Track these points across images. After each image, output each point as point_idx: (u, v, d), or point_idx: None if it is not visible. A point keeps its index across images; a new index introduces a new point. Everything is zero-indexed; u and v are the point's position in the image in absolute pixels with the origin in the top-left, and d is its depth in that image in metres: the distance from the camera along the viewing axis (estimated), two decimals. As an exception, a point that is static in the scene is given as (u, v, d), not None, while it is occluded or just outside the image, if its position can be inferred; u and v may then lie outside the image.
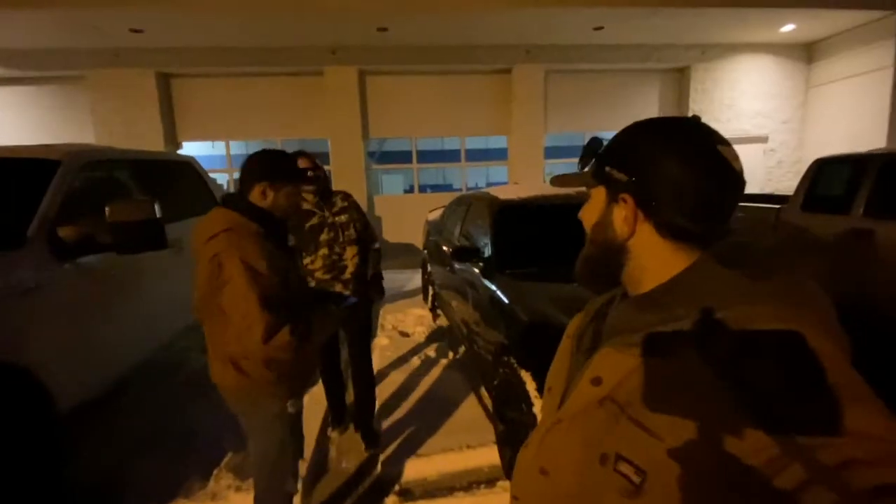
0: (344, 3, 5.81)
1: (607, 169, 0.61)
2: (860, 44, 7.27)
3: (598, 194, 0.62)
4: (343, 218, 2.33)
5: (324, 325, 1.42)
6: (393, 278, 5.92)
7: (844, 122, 7.58)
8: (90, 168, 2.54)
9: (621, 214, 0.59)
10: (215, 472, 2.22)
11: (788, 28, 7.27)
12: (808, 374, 0.42)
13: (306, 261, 2.28)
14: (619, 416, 0.51)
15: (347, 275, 2.32)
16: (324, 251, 2.29)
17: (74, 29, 6.04)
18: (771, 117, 8.35)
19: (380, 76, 7.73)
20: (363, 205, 7.74)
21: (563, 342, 0.75)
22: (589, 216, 0.63)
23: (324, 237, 2.28)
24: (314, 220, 2.28)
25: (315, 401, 2.65)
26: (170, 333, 2.96)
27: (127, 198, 2.69)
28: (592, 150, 0.65)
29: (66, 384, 2.03)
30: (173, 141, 7.57)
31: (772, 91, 8.27)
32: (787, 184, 8.31)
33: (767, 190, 8.00)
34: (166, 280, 2.84)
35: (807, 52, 8.18)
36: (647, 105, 8.44)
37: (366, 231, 2.43)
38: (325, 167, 8.18)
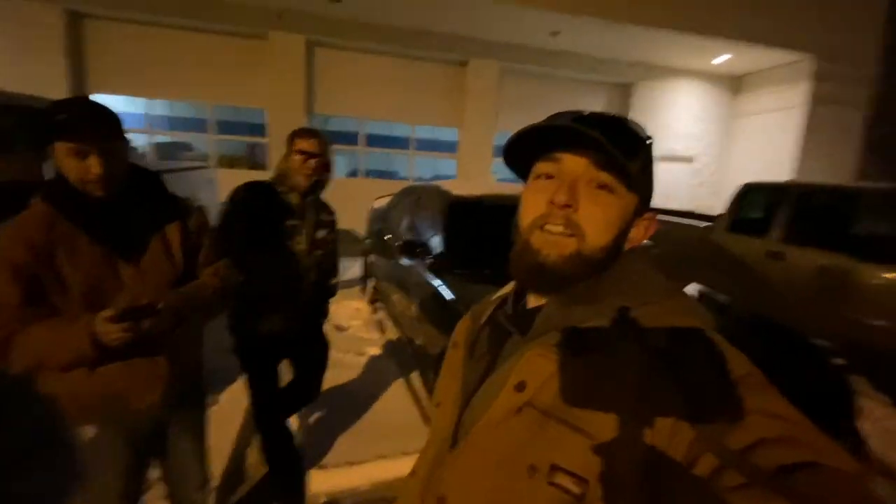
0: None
1: (647, 178, 0.56)
2: (779, 82, 8.05)
3: (631, 199, 0.55)
4: (321, 236, 1.85)
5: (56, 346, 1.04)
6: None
7: (761, 152, 8.38)
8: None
9: (642, 230, 0.57)
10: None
11: (722, 59, 7.87)
12: (720, 367, 0.44)
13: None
14: (544, 422, 0.48)
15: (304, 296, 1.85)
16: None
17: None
18: (699, 140, 9.03)
19: (330, 49, 7.28)
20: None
21: (451, 352, 0.69)
22: (613, 222, 0.54)
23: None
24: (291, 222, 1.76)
25: (235, 399, 2.38)
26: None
27: (9, 152, 2.22)
28: (640, 136, 0.55)
29: None
30: (80, 91, 6.58)
31: (701, 115, 8.93)
32: (707, 202, 9.06)
33: (689, 207, 8.66)
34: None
35: (734, 84, 8.92)
36: (593, 115, 8.76)
37: (332, 271, 1.97)
38: (262, 139, 7.62)
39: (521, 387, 0.51)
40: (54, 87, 6.13)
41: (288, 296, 1.78)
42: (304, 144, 1.71)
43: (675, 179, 9.06)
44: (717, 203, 7.93)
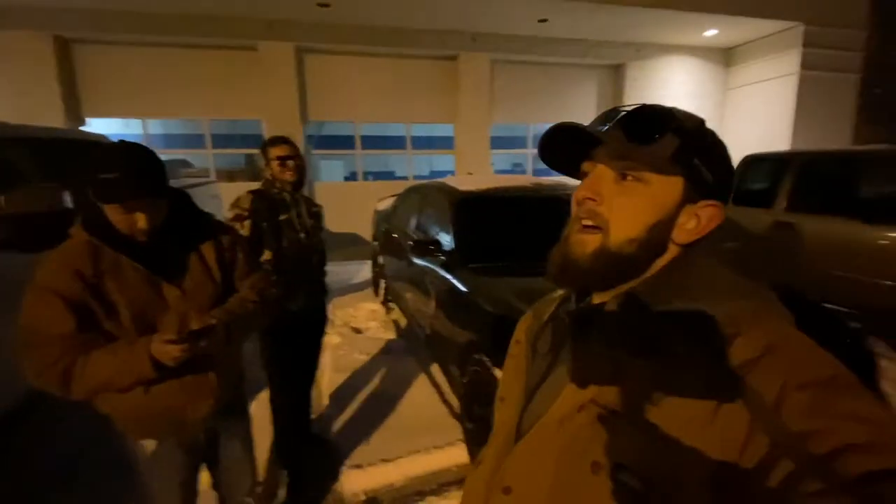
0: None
1: (696, 161, 0.51)
2: (771, 51, 8.01)
3: (670, 186, 0.51)
4: (312, 224, 2.09)
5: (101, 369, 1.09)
6: (339, 271, 5.67)
7: (757, 123, 8.36)
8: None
9: (694, 219, 0.52)
10: None
11: (711, 33, 7.83)
12: (802, 370, 0.43)
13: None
14: (607, 419, 0.48)
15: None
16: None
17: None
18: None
19: (319, 55, 7.28)
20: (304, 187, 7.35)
21: (514, 348, 0.70)
22: (643, 210, 0.51)
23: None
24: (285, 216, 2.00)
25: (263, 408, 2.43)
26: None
27: (26, 184, 2.27)
28: (660, 120, 0.51)
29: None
30: (76, 117, 6.62)
31: (696, 91, 8.89)
32: (707, 178, 9.03)
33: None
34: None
35: (725, 57, 8.87)
36: (586, 100, 8.74)
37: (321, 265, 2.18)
38: (258, 151, 7.60)
39: (583, 384, 0.52)
40: (51, 115, 6.17)
41: (302, 277, 2.03)
42: (279, 151, 1.95)
43: (672, 157, 9.04)
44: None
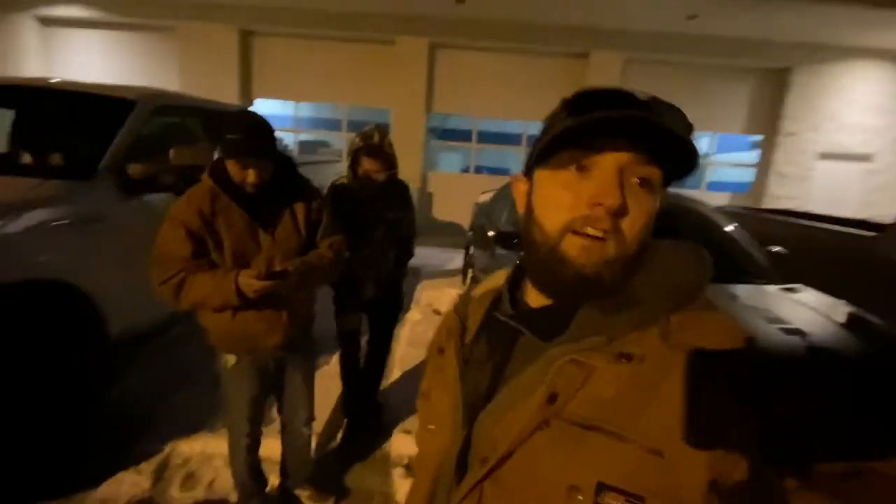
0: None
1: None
2: None
3: (658, 196, 0.47)
4: (392, 217, 2.16)
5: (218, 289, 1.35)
6: (436, 255, 5.93)
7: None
8: (162, 112, 2.67)
9: (656, 206, 0.48)
10: (240, 414, 2.34)
11: (921, 33, 6.33)
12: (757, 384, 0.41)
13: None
14: (582, 435, 0.42)
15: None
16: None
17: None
18: (880, 135, 7.40)
19: (450, 50, 7.59)
20: (416, 180, 7.80)
21: (436, 360, 0.60)
22: (649, 222, 0.47)
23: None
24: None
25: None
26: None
27: (190, 143, 2.81)
28: (689, 128, 0.48)
29: (120, 311, 2.18)
30: (247, 97, 7.89)
31: (883, 105, 7.30)
32: (887, 210, 7.39)
33: (862, 216, 7.16)
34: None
35: (938, 63, 7.11)
36: (736, 106, 7.74)
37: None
38: (386, 137, 8.25)
39: (552, 398, 0.44)
40: (228, 93, 7.46)
41: (376, 270, 2.12)
42: (370, 166, 1.96)
43: (844, 182, 7.56)
44: (899, 211, 6.47)
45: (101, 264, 2.10)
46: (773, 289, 2.39)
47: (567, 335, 0.47)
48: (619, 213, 0.44)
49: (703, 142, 8.48)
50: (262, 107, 8.07)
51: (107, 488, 1.84)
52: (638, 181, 0.45)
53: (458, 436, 0.51)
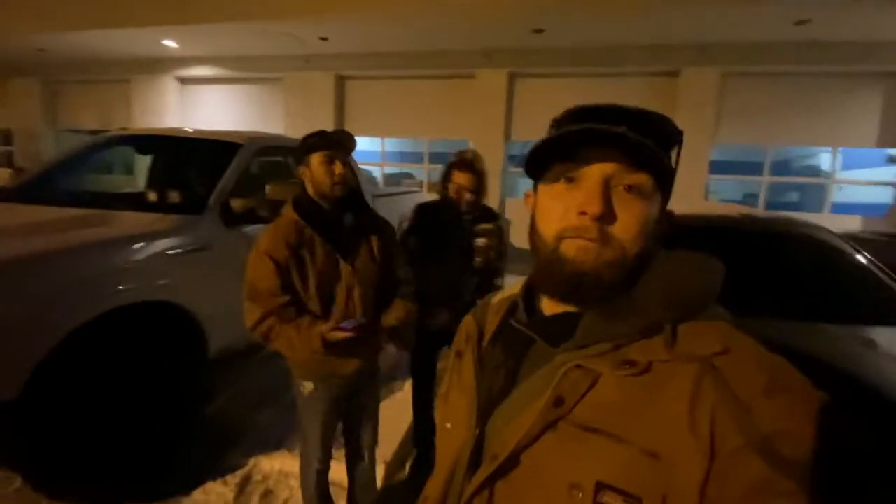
0: (503, 4, 5.84)
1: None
2: None
3: (655, 201, 0.51)
4: (481, 244, 2.04)
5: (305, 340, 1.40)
6: (512, 282, 5.82)
7: None
8: (264, 152, 2.99)
9: (664, 225, 0.53)
10: (317, 435, 2.42)
11: None
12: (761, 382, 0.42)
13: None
14: (585, 437, 0.44)
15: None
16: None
17: (274, 37, 7.26)
18: None
19: (529, 78, 7.64)
20: (495, 204, 7.81)
21: (456, 362, 0.63)
22: (645, 227, 0.49)
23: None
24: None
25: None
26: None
27: (283, 180, 3.09)
28: (670, 136, 0.54)
29: (219, 331, 2.41)
30: (340, 135, 8.61)
31: None
32: None
33: None
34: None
35: None
36: (861, 117, 6.73)
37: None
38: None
39: (559, 402, 0.47)
40: (324, 134, 8.20)
41: (453, 295, 2.00)
42: (461, 180, 1.92)
43: None
44: None
45: (205, 288, 2.35)
46: (925, 333, 1.95)
47: (572, 341, 0.50)
48: (604, 219, 0.47)
49: (822, 158, 7.45)
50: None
51: (196, 496, 1.99)
52: (626, 188, 0.48)
53: (472, 434, 0.54)
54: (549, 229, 0.52)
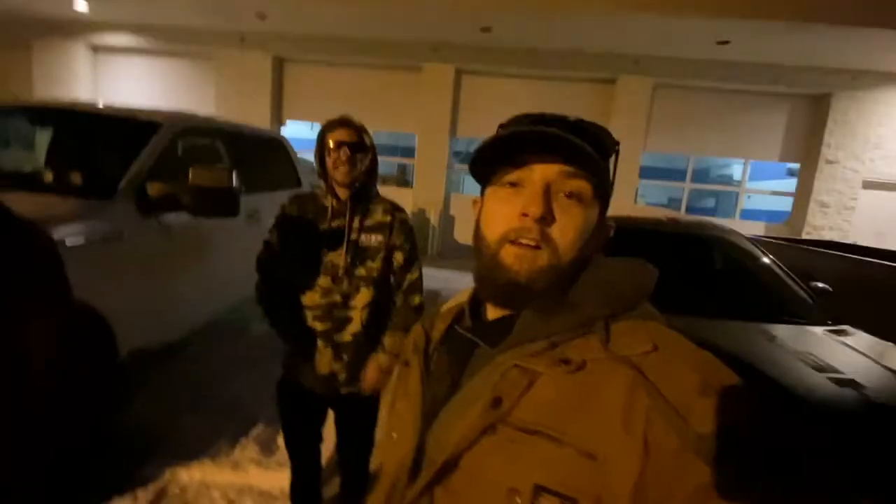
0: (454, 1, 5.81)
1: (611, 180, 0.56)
2: None
3: (593, 209, 0.53)
4: (373, 239, 1.44)
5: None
6: (457, 279, 5.84)
7: None
8: (187, 134, 2.73)
9: (603, 234, 0.56)
10: (242, 441, 2.26)
11: (974, 58, 5.99)
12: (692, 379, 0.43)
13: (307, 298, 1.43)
14: (523, 439, 0.44)
15: (348, 335, 1.42)
16: (324, 282, 1.41)
17: (206, 10, 6.70)
18: (930, 163, 6.96)
19: (476, 76, 7.67)
20: (439, 203, 7.80)
21: (402, 371, 0.63)
22: (582, 233, 0.51)
23: (333, 261, 1.40)
24: (331, 228, 1.42)
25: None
26: (235, 299, 3.11)
27: (207, 164, 2.85)
28: (606, 147, 0.56)
29: (132, 331, 2.17)
30: (278, 119, 8.15)
31: (936, 132, 6.89)
32: (941, 244, 6.89)
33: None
34: (237, 247, 2.98)
35: None
36: (770, 133, 7.48)
37: (406, 269, 1.48)
38: (409, 161, 8.38)
39: (496, 403, 0.46)
40: (260, 116, 7.72)
41: (327, 330, 1.41)
42: (338, 136, 1.40)
43: (890, 212, 7.14)
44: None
45: (114, 283, 2.11)
46: (818, 330, 2.19)
47: (509, 340, 0.50)
48: (545, 220, 0.49)
49: (734, 169, 8.18)
50: (292, 129, 8.33)
51: (100, 515, 1.78)
52: (566, 194, 0.51)
53: (412, 445, 0.53)
54: (493, 233, 0.53)
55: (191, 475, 2.03)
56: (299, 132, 8.49)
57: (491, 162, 0.54)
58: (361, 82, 7.89)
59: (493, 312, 0.57)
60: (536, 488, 0.41)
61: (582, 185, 0.51)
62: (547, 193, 0.50)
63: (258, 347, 3.16)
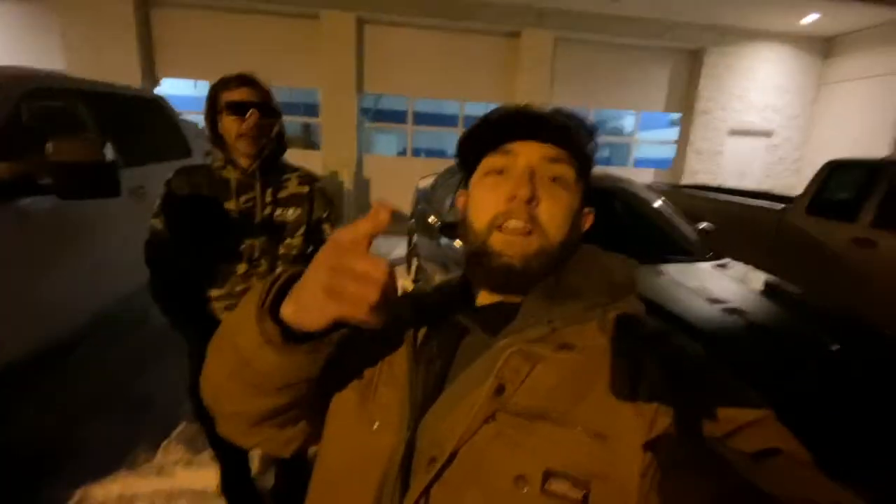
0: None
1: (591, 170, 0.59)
2: (879, 43, 7.01)
3: (577, 194, 0.55)
4: (290, 214, 1.32)
5: None
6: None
7: (851, 125, 7.42)
8: (36, 96, 2.22)
9: (583, 223, 0.59)
10: (164, 443, 2.07)
11: (811, 19, 6.96)
12: (692, 362, 0.47)
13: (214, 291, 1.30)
14: (527, 425, 0.43)
15: None
16: (241, 268, 1.29)
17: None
18: (780, 112, 8.13)
19: (379, 26, 7.22)
20: (351, 164, 7.43)
21: (387, 357, 0.56)
22: (569, 216, 0.53)
23: (247, 242, 1.28)
24: (238, 205, 1.27)
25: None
26: (127, 289, 2.72)
27: (73, 134, 2.37)
28: (589, 135, 0.59)
29: (-3, 340, 1.81)
30: (151, 76, 7.02)
31: (785, 84, 8.01)
32: (784, 181, 8.21)
33: (764, 187, 7.90)
34: (122, 230, 2.57)
35: (824, 47, 7.89)
36: (657, 85, 8.13)
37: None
38: (314, 120, 7.78)
39: (500, 390, 0.45)
40: (129, 73, 6.57)
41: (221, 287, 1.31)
42: (235, 96, 1.24)
43: (750, 156, 8.28)
44: (797, 183, 7.20)
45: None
46: (705, 265, 2.50)
47: (513, 326, 0.50)
48: (532, 201, 0.51)
49: (628, 120, 8.84)
50: (172, 87, 7.24)
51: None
52: (551, 179, 0.53)
53: (402, 437, 0.49)
54: (482, 219, 0.54)
55: (107, 490, 1.81)
56: (180, 89, 7.43)
57: (476, 151, 0.56)
58: (251, 32, 7.02)
59: (485, 298, 0.58)
60: (546, 473, 0.41)
61: (565, 170, 0.53)
62: (532, 177, 0.51)
63: (162, 338, 2.84)
